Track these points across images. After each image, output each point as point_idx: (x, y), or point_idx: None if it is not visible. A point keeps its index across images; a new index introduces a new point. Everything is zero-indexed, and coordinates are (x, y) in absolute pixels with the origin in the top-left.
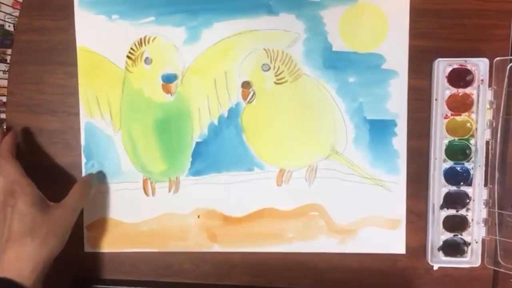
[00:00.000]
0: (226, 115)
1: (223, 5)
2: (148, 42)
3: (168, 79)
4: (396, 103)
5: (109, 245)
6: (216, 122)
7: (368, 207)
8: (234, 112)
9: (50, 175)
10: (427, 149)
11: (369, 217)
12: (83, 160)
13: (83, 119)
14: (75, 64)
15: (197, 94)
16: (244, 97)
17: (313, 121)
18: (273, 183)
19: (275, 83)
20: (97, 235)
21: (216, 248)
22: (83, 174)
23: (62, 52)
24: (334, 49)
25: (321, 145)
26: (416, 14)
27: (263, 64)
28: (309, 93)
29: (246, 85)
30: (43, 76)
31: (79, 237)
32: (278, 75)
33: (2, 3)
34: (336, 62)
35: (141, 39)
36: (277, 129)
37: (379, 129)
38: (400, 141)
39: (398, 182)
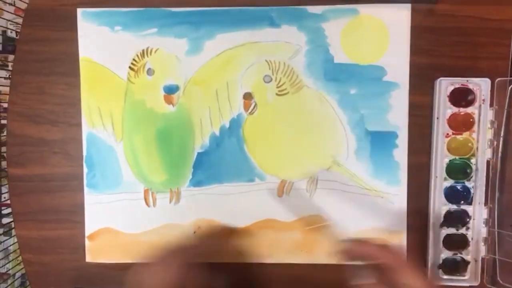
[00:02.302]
0: (227, 126)
1: (225, 17)
2: (151, 53)
3: (170, 90)
4: (397, 115)
5: (110, 255)
6: (217, 133)
7: (369, 219)
8: (235, 123)
9: (51, 185)
10: (428, 166)
11: (370, 228)
12: (85, 170)
13: (85, 129)
14: (76, 75)
15: (198, 105)
16: (246, 108)
17: (315, 132)
18: (274, 194)
19: (277, 94)
20: (98, 246)
21: (217, 259)
22: (85, 184)
23: (64, 62)
24: (335, 61)
25: (322, 156)
26: (417, 31)
27: (265, 76)
28: (311, 105)
29: (248, 96)
30: (44, 87)
31: (81, 248)
32: (280, 86)
33: (4, 10)
34: (337, 74)
35: (143, 50)
36: (279, 140)
37: (380, 141)
38: (401, 153)
39: (399, 193)
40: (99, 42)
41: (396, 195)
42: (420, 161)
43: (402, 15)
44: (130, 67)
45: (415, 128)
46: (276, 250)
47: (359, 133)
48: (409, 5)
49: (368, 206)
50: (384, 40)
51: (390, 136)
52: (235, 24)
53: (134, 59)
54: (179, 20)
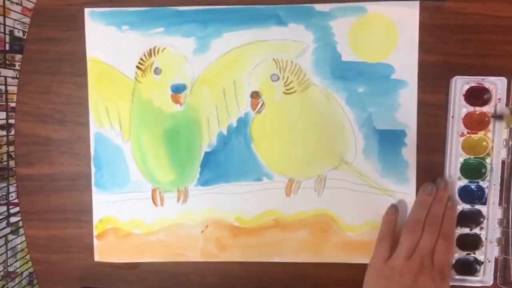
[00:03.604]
0: (235, 125)
1: (232, 15)
2: (158, 53)
3: (177, 89)
4: (405, 113)
5: (118, 255)
6: (225, 131)
7: (378, 217)
8: (243, 122)
9: (58, 184)
10: (437, 164)
11: (378, 227)
12: (93, 169)
13: (93, 128)
14: (84, 74)
15: (206, 104)
16: (253, 107)
17: (322, 131)
18: (282, 193)
19: (284, 93)
20: (107, 245)
21: (224, 258)
22: (93, 184)
23: (71, 62)
24: (343, 59)
25: (330, 155)
26: (426, 29)
27: (272, 74)
28: (318, 103)
29: (255, 95)
30: (52, 86)
31: (89, 247)
32: (287, 85)
33: (11, 10)
34: (345, 72)
35: (150, 49)
36: (286, 139)
37: (388, 139)
38: (409, 152)
39: (408, 192)
40: (106, 42)
41: (405, 194)
42: (429, 160)
43: (410, 13)
44: (137, 67)
45: (424, 127)
46: (283, 249)
47: (367, 132)
48: (417, 3)
49: (377, 205)
50: (392, 38)
51: (398, 134)
52: (242, 23)
53: (141, 59)
54: (186, 19)
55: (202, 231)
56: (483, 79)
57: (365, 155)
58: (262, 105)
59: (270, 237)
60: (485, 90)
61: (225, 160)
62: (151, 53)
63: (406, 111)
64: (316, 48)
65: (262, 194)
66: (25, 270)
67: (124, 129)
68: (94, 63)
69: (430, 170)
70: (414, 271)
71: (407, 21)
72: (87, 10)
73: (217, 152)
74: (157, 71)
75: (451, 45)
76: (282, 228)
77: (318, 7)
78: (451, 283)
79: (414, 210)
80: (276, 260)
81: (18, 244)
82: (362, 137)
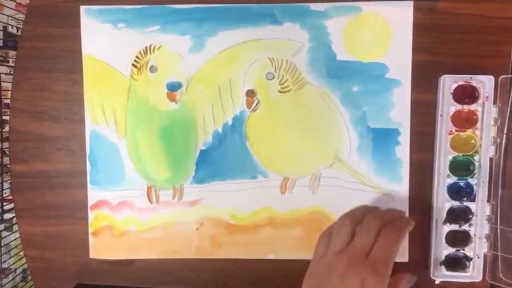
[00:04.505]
0: (230, 123)
1: (228, 14)
2: (154, 51)
3: (173, 87)
4: (399, 112)
5: (113, 252)
6: (220, 130)
7: None
8: (238, 120)
9: (53, 181)
10: (430, 163)
11: None
12: (88, 167)
13: (88, 126)
14: (79, 72)
15: (201, 102)
16: (249, 105)
17: (317, 129)
18: (277, 191)
19: (279, 91)
20: (102, 242)
21: (219, 255)
22: (88, 181)
23: (67, 59)
24: (338, 58)
25: (325, 153)
26: (419, 29)
27: (268, 73)
28: (313, 102)
29: (250, 93)
30: (47, 83)
31: (84, 244)
32: (282, 83)
33: (5, 6)
34: (340, 71)
35: (146, 47)
36: (281, 137)
37: (382, 138)
38: (403, 150)
39: (401, 190)
40: (102, 39)
41: (398, 192)
42: (422, 158)
43: (404, 13)
44: (133, 64)
45: (417, 126)
46: (278, 247)
47: (361, 130)
48: (411, 3)
49: (371, 203)
50: (387, 37)
51: (392, 133)
52: (237, 21)
53: (137, 56)
54: (182, 17)
55: (197, 229)
56: (471, 78)
57: (360, 153)
58: (257, 104)
59: (265, 235)
60: (473, 89)
61: (221, 158)
62: (147, 51)
63: (399, 110)
64: (311, 47)
65: (257, 192)
66: (19, 267)
67: (120, 127)
68: (89, 61)
69: (422, 169)
70: (342, 267)
71: (401, 21)
72: (82, 8)
73: (212, 150)
74: (152, 69)
75: (444, 45)
76: (277, 226)
77: (314, 6)
78: (441, 279)
79: (355, 208)
80: (271, 257)
81: (12, 241)
82: (356, 136)
